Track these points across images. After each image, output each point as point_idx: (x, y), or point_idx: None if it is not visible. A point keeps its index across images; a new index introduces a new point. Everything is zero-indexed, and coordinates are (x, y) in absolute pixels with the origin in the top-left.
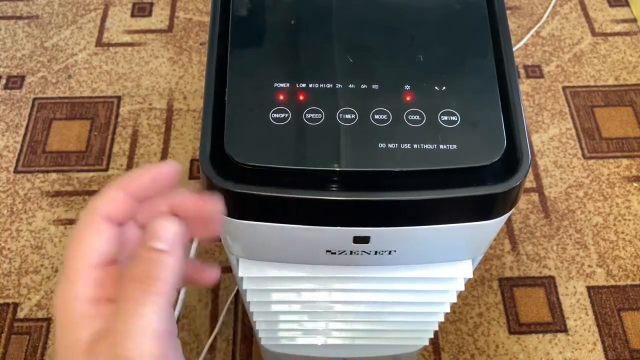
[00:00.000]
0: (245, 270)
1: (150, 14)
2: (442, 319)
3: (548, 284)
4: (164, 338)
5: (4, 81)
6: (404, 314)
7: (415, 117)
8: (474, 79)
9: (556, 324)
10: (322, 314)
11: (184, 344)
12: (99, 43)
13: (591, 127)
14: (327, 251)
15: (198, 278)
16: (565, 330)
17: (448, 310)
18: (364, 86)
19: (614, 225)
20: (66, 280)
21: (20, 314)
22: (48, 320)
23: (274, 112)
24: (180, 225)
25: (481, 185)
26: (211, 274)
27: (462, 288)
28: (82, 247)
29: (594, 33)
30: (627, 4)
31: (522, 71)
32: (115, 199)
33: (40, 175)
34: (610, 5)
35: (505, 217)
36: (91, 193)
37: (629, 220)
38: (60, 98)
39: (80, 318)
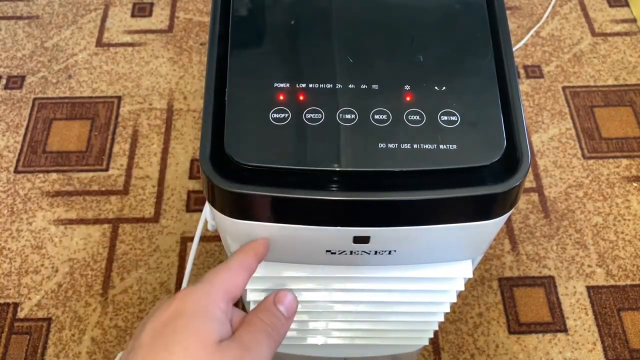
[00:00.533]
0: None
1: (150, 14)
2: (442, 319)
3: (548, 284)
4: None
5: (4, 81)
6: (404, 314)
7: (415, 117)
8: (473, 79)
9: (556, 324)
10: (322, 313)
11: None
12: (99, 43)
13: (591, 127)
14: (327, 251)
15: None
16: (565, 330)
17: (448, 310)
18: (364, 86)
19: (614, 225)
20: (210, 287)
21: (21, 314)
22: (48, 320)
23: (274, 112)
24: (297, 302)
25: (481, 185)
26: None
27: (462, 288)
28: (236, 275)
29: (593, 33)
30: (627, 4)
31: (522, 71)
32: (240, 282)
33: (41, 175)
34: (610, 6)
35: (505, 217)
36: (91, 193)
37: (629, 220)
38: (60, 98)
39: (214, 316)
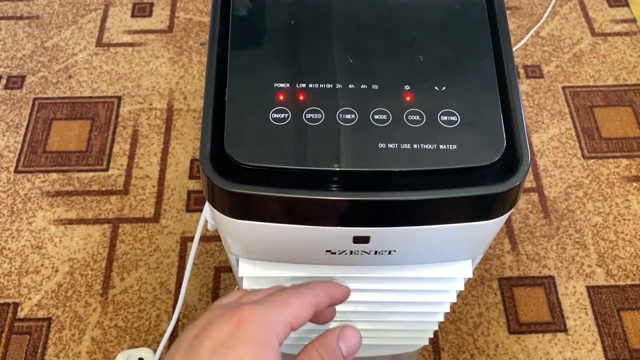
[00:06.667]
0: (245, 270)
1: (150, 14)
2: (442, 319)
3: (548, 284)
4: None
5: (4, 81)
6: (403, 314)
7: (415, 117)
8: (473, 79)
9: (556, 324)
10: None
11: None
12: (99, 43)
13: (591, 127)
14: (327, 251)
15: None
16: (565, 330)
17: (448, 310)
18: (364, 86)
19: (614, 225)
20: (275, 316)
21: (21, 314)
22: (48, 320)
23: (274, 112)
24: (360, 342)
25: (481, 185)
26: None
27: (462, 288)
28: (303, 308)
29: (593, 33)
30: (627, 4)
31: (522, 71)
32: (305, 316)
33: (41, 175)
34: (610, 6)
35: (505, 217)
36: (91, 193)
37: (629, 220)
38: (60, 98)
39: (273, 348)
